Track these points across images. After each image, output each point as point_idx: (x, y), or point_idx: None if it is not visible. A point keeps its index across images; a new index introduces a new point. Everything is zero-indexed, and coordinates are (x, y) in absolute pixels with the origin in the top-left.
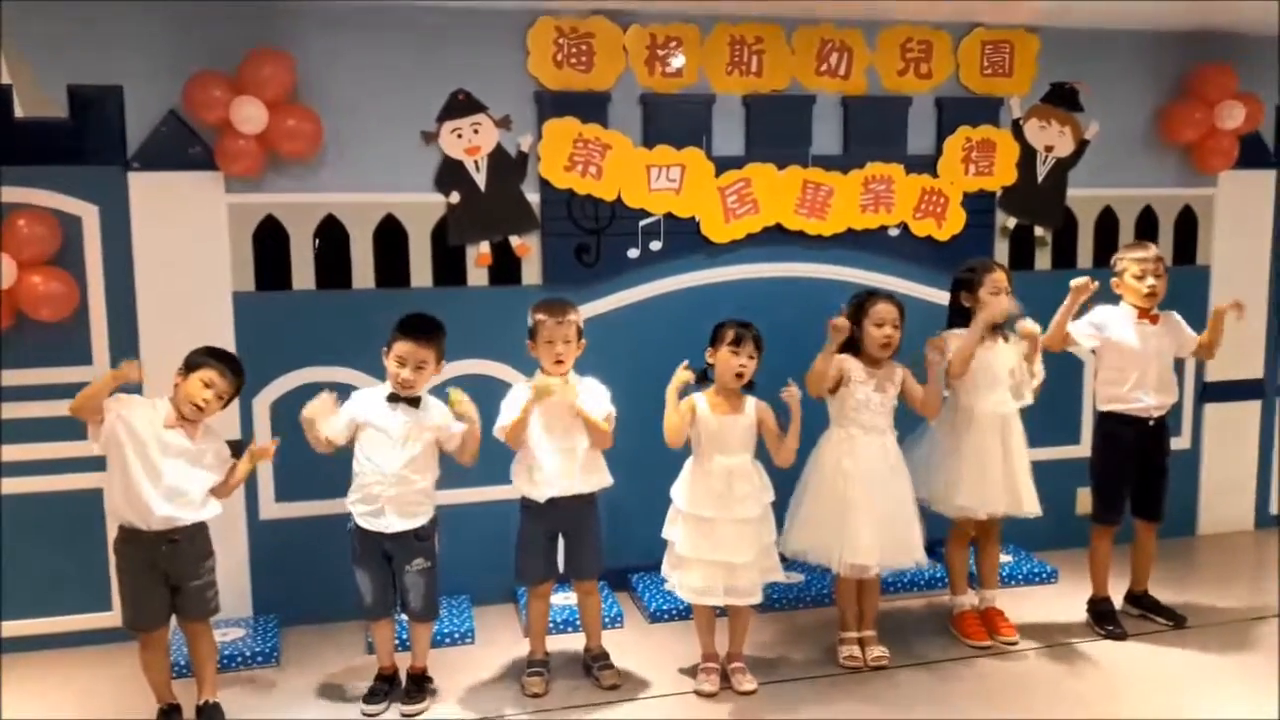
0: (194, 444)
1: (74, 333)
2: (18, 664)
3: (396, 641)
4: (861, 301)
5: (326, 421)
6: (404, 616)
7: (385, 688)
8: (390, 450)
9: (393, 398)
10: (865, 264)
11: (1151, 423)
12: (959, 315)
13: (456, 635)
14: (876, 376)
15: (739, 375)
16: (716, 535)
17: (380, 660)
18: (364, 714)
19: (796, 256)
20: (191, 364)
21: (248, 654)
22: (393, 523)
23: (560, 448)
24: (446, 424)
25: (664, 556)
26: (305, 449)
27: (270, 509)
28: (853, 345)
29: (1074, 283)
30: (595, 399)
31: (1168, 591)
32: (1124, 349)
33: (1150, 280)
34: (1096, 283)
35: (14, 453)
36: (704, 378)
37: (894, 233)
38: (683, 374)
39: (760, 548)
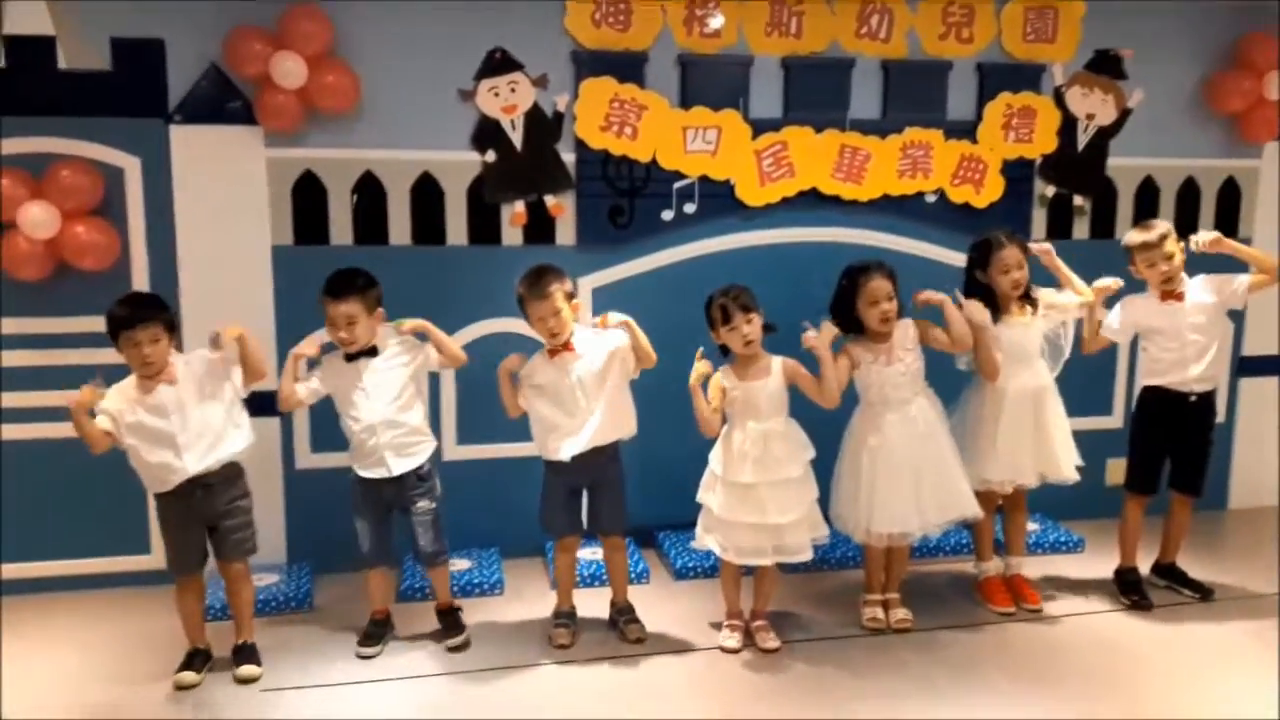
0: (178, 386)
1: (116, 282)
2: (57, 604)
3: (416, 590)
4: (853, 279)
5: (296, 384)
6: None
7: (380, 631)
8: (368, 402)
9: (349, 357)
10: (901, 230)
11: (1194, 399)
12: (976, 288)
13: (486, 586)
14: (883, 351)
15: (748, 343)
16: (759, 498)
17: (373, 603)
18: (359, 655)
19: (832, 221)
20: (113, 333)
21: (281, 599)
22: (394, 465)
23: (570, 415)
24: (411, 351)
25: (698, 520)
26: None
27: (306, 459)
28: (854, 324)
29: (1095, 285)
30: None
31: (1195, 565)
32: (1158, 333)
33: (1161, 267)
34: (1120, 282)
35: (57, 399)
36: (725, 352)
37: (931, 199)
38: (701, 367)
39: (805, 506)
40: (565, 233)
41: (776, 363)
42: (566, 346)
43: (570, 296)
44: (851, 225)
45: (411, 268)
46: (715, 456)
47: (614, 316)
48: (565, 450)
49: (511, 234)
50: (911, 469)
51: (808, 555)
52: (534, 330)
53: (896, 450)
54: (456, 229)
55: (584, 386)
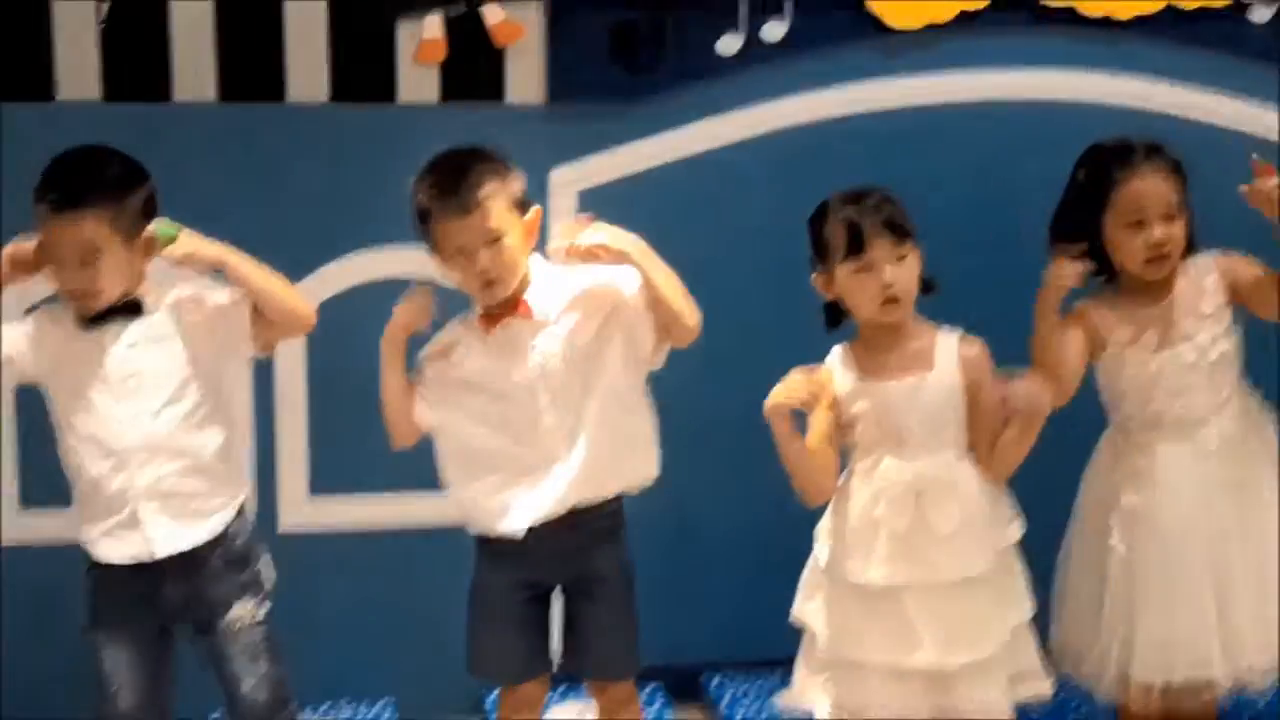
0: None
1: None
2: None
3: None
4: (1099, 174)
5: None
6: None
7: None
8: (117, 407)
9: (89, 319)
10: (1196, 75)
11: None
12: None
13: None
14: (1153, 319)
15: (891, 301)
16: (903, 616)
17: None
18: None
19: (1060, 58)
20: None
21: None
22: (157, 536)
23: (524, 442)
24: (205, 312)
25: (799, 654)
26: None
27: (13, 523)
28: (1096, 261)
29: None
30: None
31: None
32: None
33: None
34: None
35: None
36: (834, 321)
37: (1264, 13)
38: (805, 382)
39: (999, 634)
40: (524, 79)
41: (949, 342)
42: (515, 306)
43: (522, 207)
44: (1099, 67)
45: (215, 148)
46: (823, 532)
47: (599, 232)
48: (515, 518)
49: (416, 81)
50: (1211, 557)
51: None
52: (450, 277)
53: (1180, 520)
54: (305, 71)
55: (550, 383)
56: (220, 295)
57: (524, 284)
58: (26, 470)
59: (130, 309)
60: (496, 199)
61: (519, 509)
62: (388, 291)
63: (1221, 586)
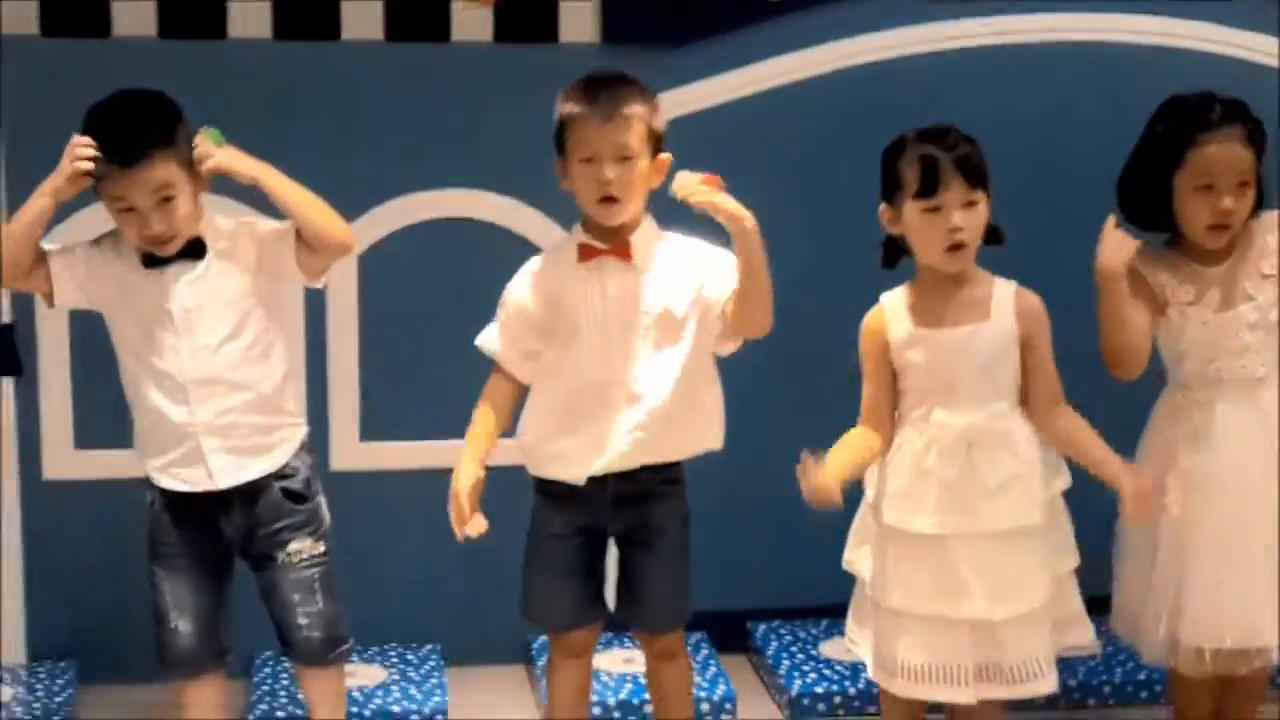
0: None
1: None
2: None
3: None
4: (1174, 131)
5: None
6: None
7: None
8: (178, 341)
9: (152, 260)
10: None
11: None
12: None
13: (416, 717)
14: (1215, 281)
15: (955, 247)
16: (952, 565)
17: None
18: None
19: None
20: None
21: None
22: (220, 468)
23: (601, 391)
24: (254, 238)
25: (850, 603)
26: None
27: (64, 461)
28: (1162, 221)
29: None
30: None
31: None
32: None
33: None
34: None
35: None
36: (891, 259)
37: None
38: (819, 473)
39: (1045, 586)
40: (578, 20)
41: (1005, 292)
42: (620, 248)
43: (657, 145)
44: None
45: (269, 86)
46: (873, 478)
47: (728, 201)
48: (580, 463)
49: (470, 22)
50: (1266, 521)
51: (1046, 686)
52: (572, 183)
53: (1236, 481)
54: (360, 10)
55: (629, 331)
56: (266, 224)
57: (633, 225)
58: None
59: (195, 251)
60: (638, 121)
61: (581, 456)
62: (440, 233)
63: (1275, 551)
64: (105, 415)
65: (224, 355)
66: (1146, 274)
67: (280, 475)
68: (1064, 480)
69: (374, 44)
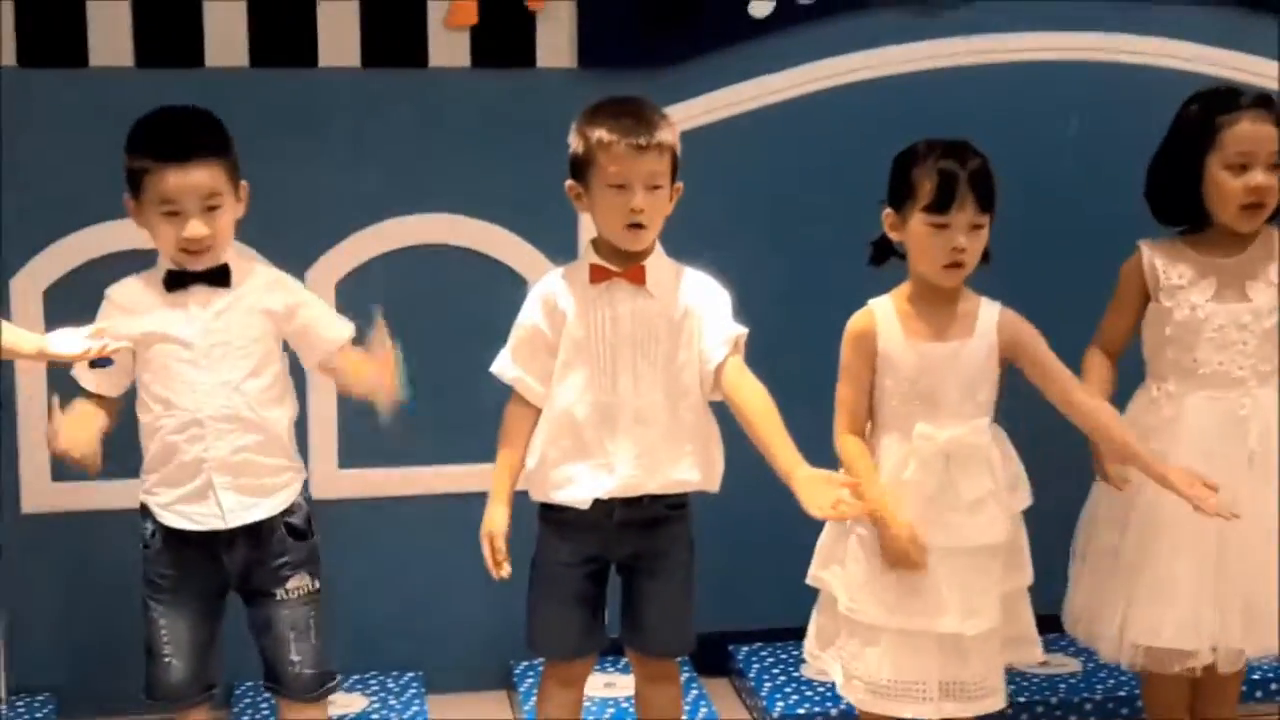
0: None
1: None
2: None
3: None
4: (1207, 114)
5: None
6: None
7: None
8: (196, 374)
9: (175, 279)
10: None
11: None
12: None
13: None
14: (1228, 269)
15: (955, 266)
16: (926, 579)
17: None
18: None
19: (1088, 22)
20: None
21: None
22: (229, 507)
23: (609, 416)
24: (295, 305)
25: (812, 618)
26: None
27: (42, 494)
28: (1189, 209)
29: None
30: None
31: None
32: None
33: None
34: None
35: None
36: (880, 258)
37: None
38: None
39: (1001, 604)
40: (554, 43)
41: (988, 312)
42: (634, 271)
43: (675, 174)
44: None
45: (247, 115)
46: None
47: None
48: (587, 487)
49: (446, 45)
50: (1222, 524)
51: (999, 703)
52: (590, 207)
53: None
54: (337, 37)
55: (637, 356)
56: (321, 320)
57: (646, 250)
58: None
59: (217, 277)
60: (668, 150)
61: (588, 481)
62: (418, 258)
63: (1223, 557)
64: None
65: (244, 393)
66: (1145, 265)
67: (284, 514)
68: (1027, 496)
69: (350, 70)
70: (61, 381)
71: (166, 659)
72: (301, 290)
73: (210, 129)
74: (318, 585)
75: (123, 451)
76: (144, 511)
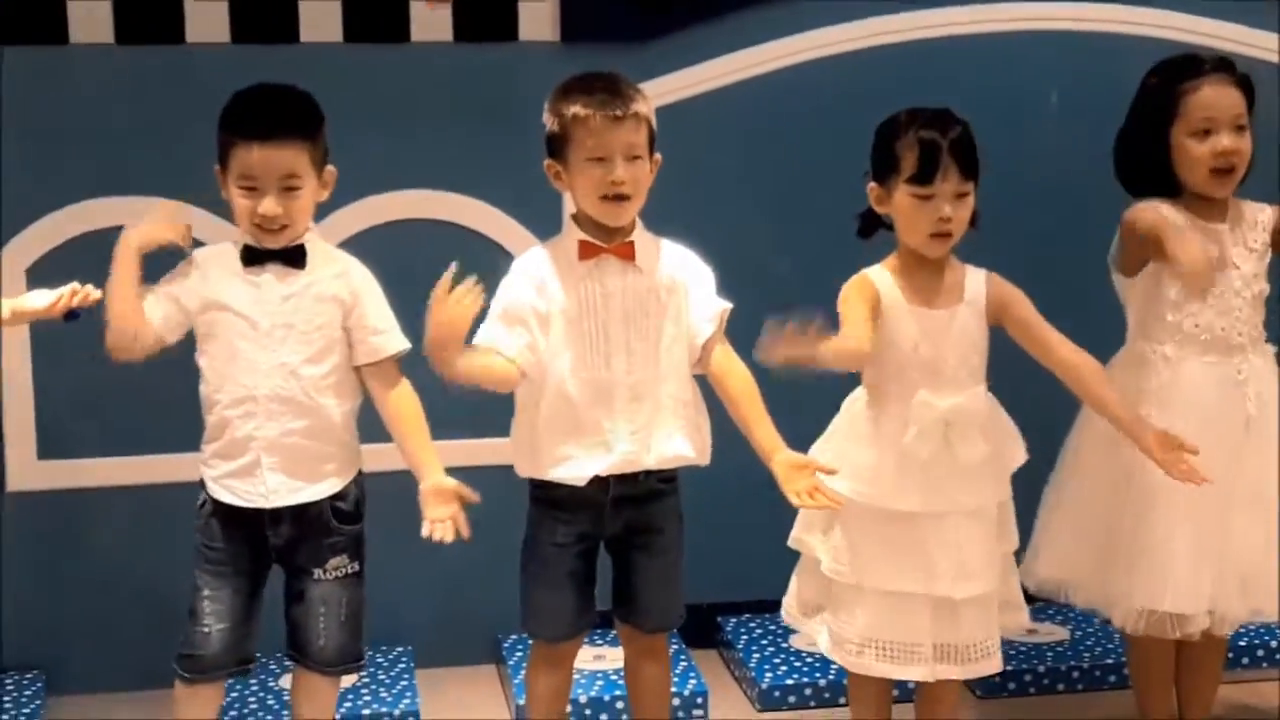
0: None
1: None
2: None
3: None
4: (1169, 83)
5: (139, 295)
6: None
7: None
8: (257, 352)
9: (251, 255)
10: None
11: None
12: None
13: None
14: (1212, 234)
15: (942, 235)
16: (921, 542)
17: None
18: None
19: None
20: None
21: None
22: (278, 487)
23: (606, 390)
24: (354, 301)
25: (792, 580)
26: None
27: (29, 472)
28: (1161, 179)
29: None
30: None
31: None
32: None
33: None
34: None
35: None
36: (867, 231)
37: None
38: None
39: (998, 567)
40: (537, 19)
41: (977, 280)
42: (623, 248)
43: (652, 143)
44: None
45: (227, 90)
46: (839, 454)
47: None
48: (584, 464)
49: (429, 21)
50: (1223, 489)
51: (994, 665)
52: (569, 184)
53: (1204, 441)
54: (319, 13)
55: (628, 330)
56: (377, 327)
57: (630, 226)
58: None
59: (292, 257)
60: (645, 121)
61: (584, 458)
62: (401, 233)
63: (1220, 521)
64: (69, 425)
65: (300, 377)
66: (1143, 216)
67: (333, 496)
68: (1020, 456)
69: (333, 45)
70: (46, 362)
71: (205, 628)
72: (367, 288)
73: (300, 111)
74: (357, 568)
75: (108, 429)
76: (201, 482)
